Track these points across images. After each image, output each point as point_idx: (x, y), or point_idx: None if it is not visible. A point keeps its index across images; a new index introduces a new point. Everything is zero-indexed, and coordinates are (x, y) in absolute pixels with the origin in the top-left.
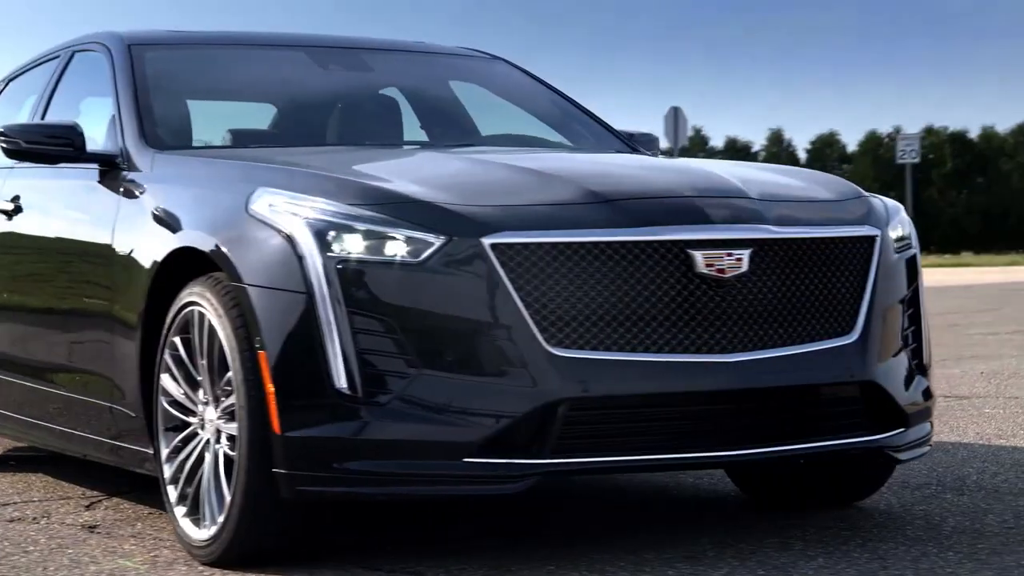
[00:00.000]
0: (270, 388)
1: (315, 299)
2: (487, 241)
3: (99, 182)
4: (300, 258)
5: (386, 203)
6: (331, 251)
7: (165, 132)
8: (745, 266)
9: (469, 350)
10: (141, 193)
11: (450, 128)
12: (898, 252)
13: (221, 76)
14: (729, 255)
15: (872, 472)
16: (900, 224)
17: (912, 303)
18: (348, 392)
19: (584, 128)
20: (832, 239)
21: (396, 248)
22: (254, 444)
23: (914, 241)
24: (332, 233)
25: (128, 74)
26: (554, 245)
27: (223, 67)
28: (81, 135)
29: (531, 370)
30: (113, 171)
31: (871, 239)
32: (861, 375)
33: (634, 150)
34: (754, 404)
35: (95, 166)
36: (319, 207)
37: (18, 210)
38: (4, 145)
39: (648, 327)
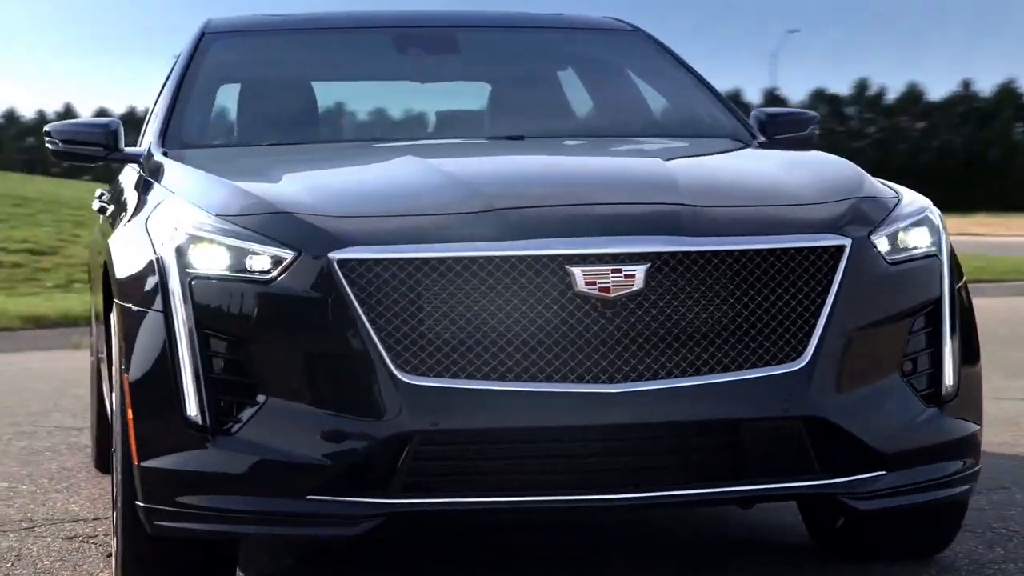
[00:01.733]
0: (130, 414)
1: (171, 319)
2: (334, 256)
3: (133, 187)
4: (162, 275)
5: (255, 214)
6: (190, 267)
7: (188, 130)
8: (639, 284)
9: (316, 377)
10: (127, 200)
11: (534, 119)
12: (897, 262)
13: (284, 63)
14: (617, 272)
15: (948, 520)
16: (910, 227)
17: (930, 320)
18: (197, 421)
19: (700, 112)
20: (772, 251)
21: (252, 264)
22: (125, 475)
23: (940, 246)
24: (193, 248)
25: (182, 66)
26: (408, 261)
27: (291, 53)
28: (114, 133)
29: (380, 400)
30: (139, 174)
31: (835, 249)
32: (800, 409)
33: (752, 137)
34: (642, 441)
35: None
36: (193, 219)
37: (103, 210)
38: (48, 146)
39: (517, 353)
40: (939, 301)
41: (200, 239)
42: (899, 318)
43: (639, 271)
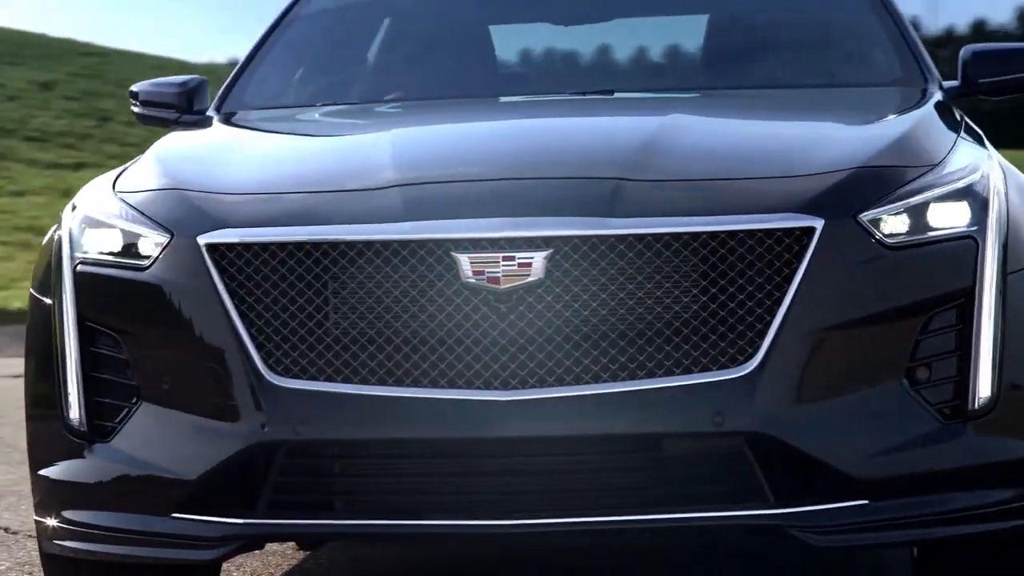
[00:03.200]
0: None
1: (59, 310)
2: (203, 240)
3: None
4: (56, 259)
5: (149, 191)
6: (79, 251)
7: (257, 89)
8: (536, 274)
9: (185, 379)
10: None
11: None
12: (903, 246)
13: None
14: (509, 259)
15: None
16: (934, 203)
17: (958, 316)
18: (76, 425)
19: (867, 52)
20: (713, 235)
21: (132, 248)
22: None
23: (986, 224)
24: (84, 229)
25: (277, 16)
26: (280, 245)
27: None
28: (189, 93)
29: (246, 406)
30: None
31: (801, 232)
32: (740, 424)
33: (924, 83)
34: (539, 459)
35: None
36: (94, 196)
37: None
38: (133, 110)
39: (397, 353)
40: (972, 292)
41: (92, 219)
42: (904, 314)
43: (537, 258)
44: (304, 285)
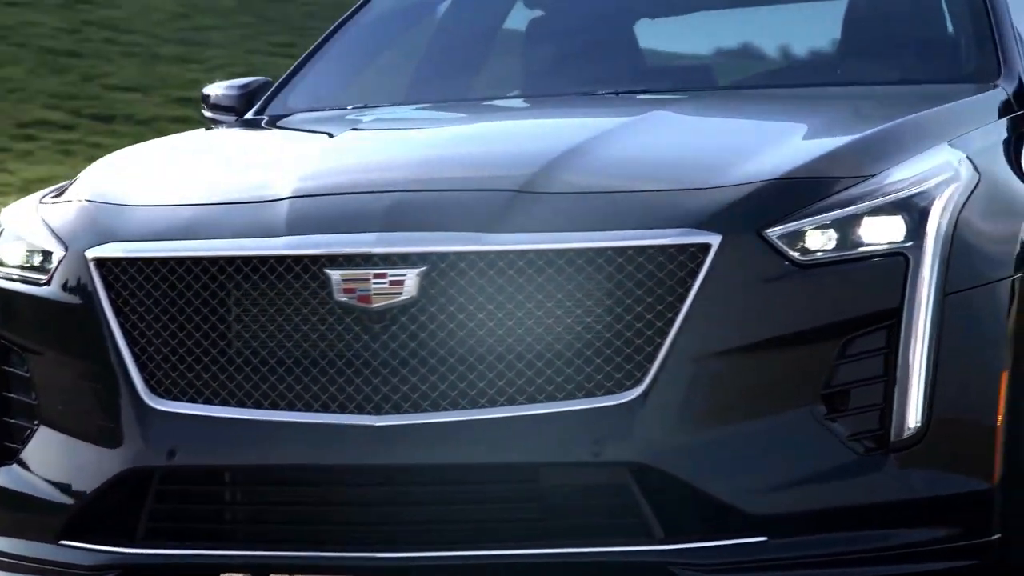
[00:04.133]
0: None
1: None
2: (90, 254)
3: None
4: None
5: (65, 202)
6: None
7: (308, 90)
8: (410, 291)
9: (74, 399)
10: None
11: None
12: (817, 264)
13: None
14: (380, 276)
15: None
16: (861, 217)
17: (884, 339)
18: None
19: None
20: (601, 251)
21: (35, 262)
22: None
23: (924, 239)
24: (2, 245)
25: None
26: (163, 260)
27: None
28: (246, 96)
29: (125, 428)
30: None
31: (696, 249)
32: (621, 454)
33: (995, 77)
34: (412, 488)
35: None
36: (22, 213)
37: None
38: (204, 113)
39: (272, 375)
40: (899, 313)
41: (9, 232)
42: (818, 337)
43: (410, 276)
44: (184, 303)
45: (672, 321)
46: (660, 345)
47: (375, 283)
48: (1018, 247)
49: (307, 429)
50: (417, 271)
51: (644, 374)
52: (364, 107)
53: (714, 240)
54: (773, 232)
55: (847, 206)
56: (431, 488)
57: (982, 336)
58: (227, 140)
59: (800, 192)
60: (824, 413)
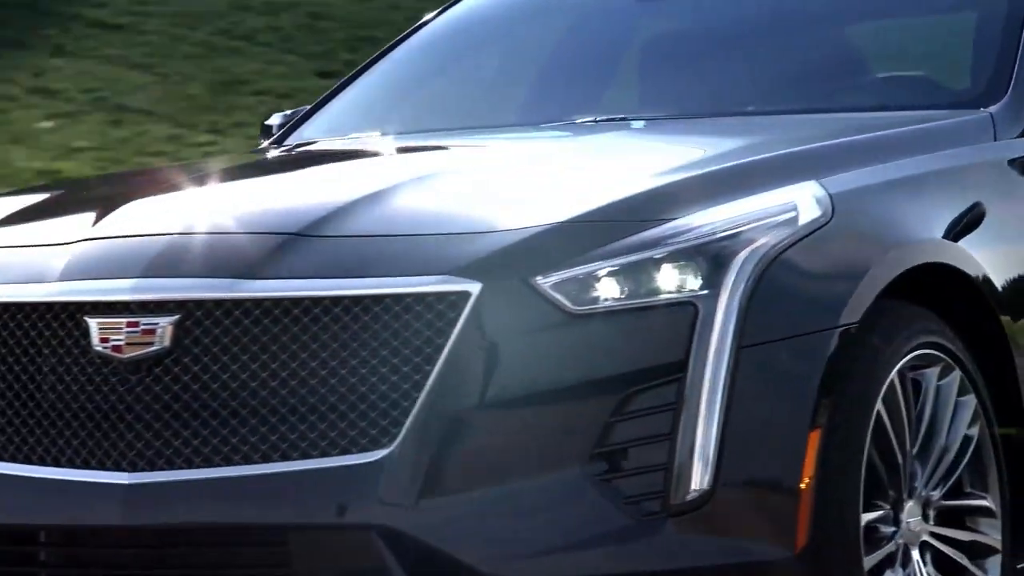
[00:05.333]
0: None
1: None
2: None
3: None
4: None
5: None
6: None
7: (323, 120)
8: (163, 341)
9: None
10: None
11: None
12: (593, 314)
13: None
14: (133, 325)
15: None
16: (648, 264)
17: (670, 395)
18: None
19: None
20: (357, 299)
21: None
22: None
23: (721, 287)
24: None
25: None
26: None
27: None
28: (289, 125)
29: None
30: None
31: (456, 297)
32: (365, 516)
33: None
34: (165, 550)
35: None
36: None
37: None
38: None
39: (37, 428)
40: (685, 367)
41: None
42: (591, 392)
43: (162, 324)
44: None
45: (428, 375)
46: (415, 400)
47: (128, 332)
48: (852, 297)
49: (55, 485)
50: (170, 320)
51: (397, 431)
52: (362, 134)
53: (474, 288)
54: (543, 280)
55: (632, 252)
56: (180, 551)
57: (785, 392)
58: (141, 178)
59: (579, 238)
60: (599, 473)
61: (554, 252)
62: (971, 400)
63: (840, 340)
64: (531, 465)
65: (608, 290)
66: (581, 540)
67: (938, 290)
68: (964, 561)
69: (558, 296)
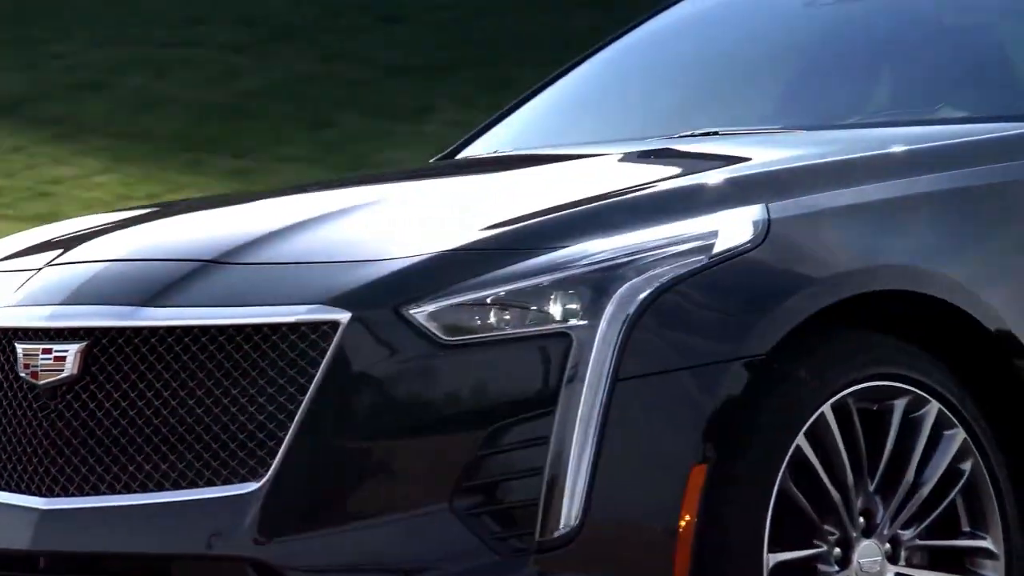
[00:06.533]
0: None
1: None
2: None
3: None
4: None
5: None
6: None
7: (513, 130)
8: (71, 368)
9: None
10: None
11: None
12: (465, 344)
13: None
14: (47, 352)
15: None
16: (523, 294)
17: (542, 427)
18: None
19: None
20: (239, 328)
21: None
22: None
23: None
24: None
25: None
26: None
27: None
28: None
29: None
30: None
31: (327, 327)
32: (234, 548)
33: None
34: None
35: None
36: None
37: None
38: None
39: None
40: (556, 401)
41: None
42: (459, 425)
43: (71, 351)
44: None
45: (299, 406)
46: (286, 432)
47: (42, 359)
48: (761, 327)
49: None
50: (77, 347)
51: (270, 462)
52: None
53: (343, 317)
54: (415, 310)
55: (508, 282)
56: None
57: (666, 427)
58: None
59: (455, 267)
60: (468, 508)
61: (428, 282)
62: (957, 434)
63: (743, 372)
64: (400, 498)
65: (481, 321)
66: (443, 574)
67: (924, 321)
68: None
69: (429, 326)
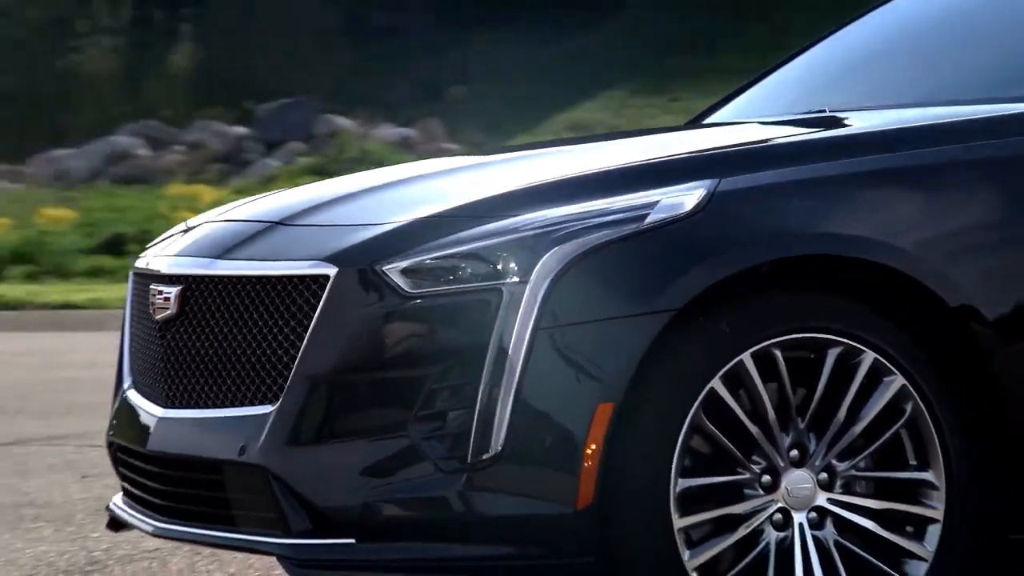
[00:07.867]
0: None
1: None
2: None
3: None
4: None
5: None
6: None
7: (751, 100)
8: (173, 307)
9: None
10: None
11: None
12: (424, 296)
13: None
14: (161, 293)
15: None
16: (467, 257)
17: (476, 370)
18: None
19: None
20: (262, 279)
21: None
22: None
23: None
24: None
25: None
26: None
27: None
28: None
29: None
30: None
31: (320, 280)
32: (255, 457)
33: None
34: (160, 470)
35: None
36: None
37: None
38: None
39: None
40: (486, 346)
41: None
42: (416, 364)
43: (172, 293)
44: None
45: (301, 341)
46: (293, 363)
47: (159, 298)
48: (678, 285)
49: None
50: (176, 289)
51: (281, 390)
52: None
53: (332, 272)
54: (386, 266)
55: (462, 244)
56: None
57: (578, 370)
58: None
59: (427, 231)
60: (421, 433)
61: (401, 243)
62: (895, 380)
63: (655, 323)
64: (372, 424)
65: (438, 277)
66: (402, 488)
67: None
68: (874, 527)
69: (398, 281)
